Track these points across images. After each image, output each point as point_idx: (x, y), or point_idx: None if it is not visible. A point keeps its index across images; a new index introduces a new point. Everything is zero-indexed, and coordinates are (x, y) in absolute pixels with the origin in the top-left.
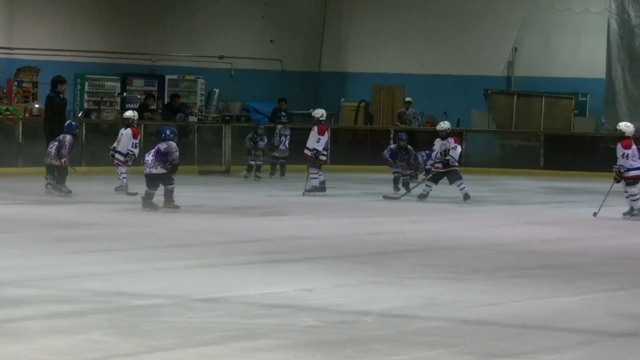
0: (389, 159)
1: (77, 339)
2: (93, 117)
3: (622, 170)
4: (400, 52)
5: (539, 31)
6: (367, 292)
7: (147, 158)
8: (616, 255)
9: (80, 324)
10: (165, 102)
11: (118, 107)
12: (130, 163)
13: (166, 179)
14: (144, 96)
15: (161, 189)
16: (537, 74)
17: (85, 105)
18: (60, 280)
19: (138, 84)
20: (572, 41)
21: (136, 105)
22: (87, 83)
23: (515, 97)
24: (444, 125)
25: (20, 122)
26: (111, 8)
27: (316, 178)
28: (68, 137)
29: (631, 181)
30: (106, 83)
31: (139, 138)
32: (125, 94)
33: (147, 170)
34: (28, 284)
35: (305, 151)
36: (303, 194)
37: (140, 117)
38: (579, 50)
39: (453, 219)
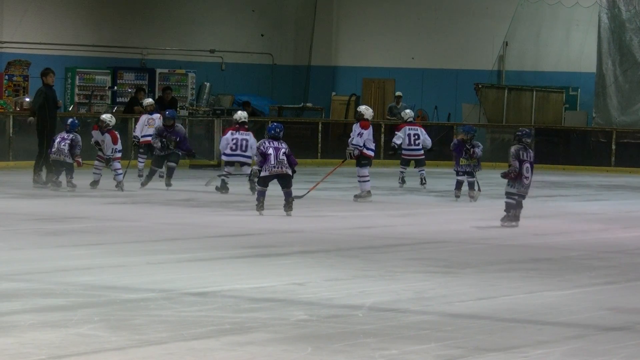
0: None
1: (67, 332)
2: (84, 110)
3: (355, 153)
4: (390, 45)
5: (529, 25)
6: (358, 286)
7: (281, 158)
8: (606, 249)
9: (70, 318)
10: (156, 96)
11: (109, 101)
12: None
13: (290, 179)
14: (134, 90)
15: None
16: (528, 67)
17: (76, 99)
18: (50, 274)
19: (128, 77)
20: (562, 35)
21: (126, 99)
22: (77, 77)
23: (505, 91)
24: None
25: (11, 116)
26: (101, 1)
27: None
28: (79, 136)
29: (365, 162)
30: (96, 77)
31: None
32: (115, 87)
33: (285, 170)
34: (18, 278)
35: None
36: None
37: (131, 111)
38: (569, 44)
39: (443, 212)
